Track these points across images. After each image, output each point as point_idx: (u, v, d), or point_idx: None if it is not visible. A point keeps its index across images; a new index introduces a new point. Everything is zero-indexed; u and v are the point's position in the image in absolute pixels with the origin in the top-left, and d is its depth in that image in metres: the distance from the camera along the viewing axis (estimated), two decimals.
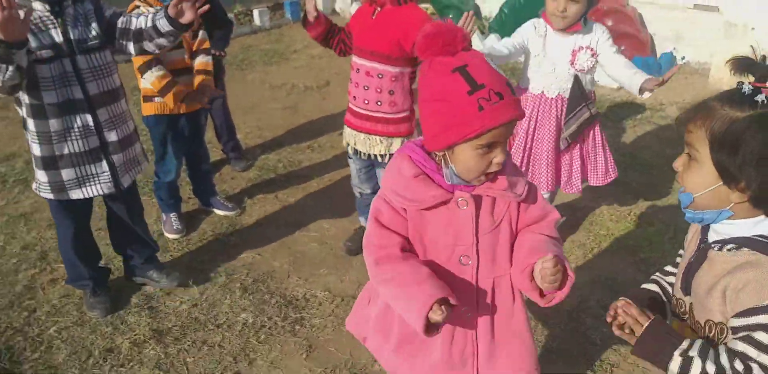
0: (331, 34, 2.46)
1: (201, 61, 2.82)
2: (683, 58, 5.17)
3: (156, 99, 2.72)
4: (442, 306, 1.23)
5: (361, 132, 2.46)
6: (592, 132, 2.64)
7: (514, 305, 1.42)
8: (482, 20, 6.17)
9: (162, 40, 2.09)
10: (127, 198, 2.39)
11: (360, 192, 2.76)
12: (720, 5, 4.86)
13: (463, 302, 1.33)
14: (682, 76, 5.05)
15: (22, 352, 2.21)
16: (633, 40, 4.97)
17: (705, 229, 1.21)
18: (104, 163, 2.16)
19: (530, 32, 2.52)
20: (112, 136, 2.16)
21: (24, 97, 2.00)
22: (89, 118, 2.07)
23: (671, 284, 1.36)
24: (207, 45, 2.87)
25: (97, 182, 2.17)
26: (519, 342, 1.45)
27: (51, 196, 2.17)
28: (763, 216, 1.12)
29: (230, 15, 6.35)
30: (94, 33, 2.06)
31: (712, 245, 1.17)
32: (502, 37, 5.52)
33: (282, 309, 2.46)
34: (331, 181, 3.51)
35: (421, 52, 1.23)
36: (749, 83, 1.07)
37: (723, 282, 1.11)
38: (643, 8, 5.24)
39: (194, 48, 2.82)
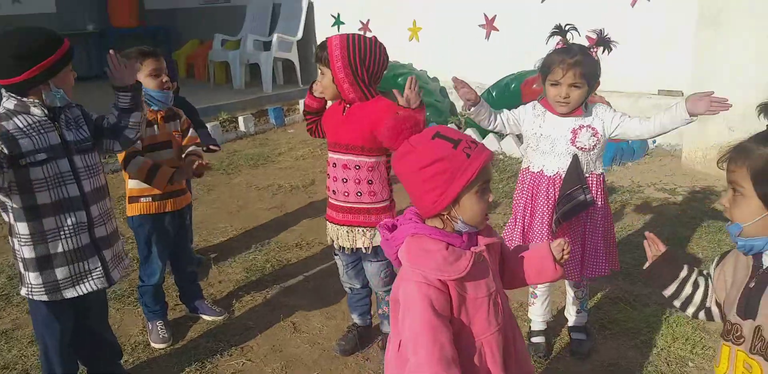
0: (320, 116, 2.61)
1: (193, 149, 2.97)
2: (654, 142, 5.37)
3: (142, 199, 2.76)
4: None
5: (343, 225, 2.47)
6: (595, 218, 2.48)
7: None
8: (458, 116, 6.45)
9: (129, 116, 2.24)
10: (101, 298, 2.45)
11: (350, 288, 2.72)
12: (683, 89, 5.13)
13: (506, 339, 1.53)
14: (656, 158, 5.23)
15: None
16: None
17: (758, 257, 1.34)
18: (96, 259, 2.20)
19: (529, 112, 2.49)
20: (101, 232, 2.22)
21: (13, 202, 2.05)
22: (83, 215, 2.14)
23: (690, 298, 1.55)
24: (197, 140, 3.02)
25: (90, 278, 2.20)
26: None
27: (45, 298, 2.15)
28: None
29: (216, 122, 6.59)
30: (85, 135, 2.20)
31: None
32: (478, 129, 5.75)
33: None
34: (320, 278, 3.47)
35: (395, 140, 1.42)
36: None
37: None
38: (610, 97, 5.50)
39: (183, 143, 2.95)
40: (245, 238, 4.07)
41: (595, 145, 2.38)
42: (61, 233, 2.11)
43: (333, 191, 2.47)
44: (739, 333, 1.33)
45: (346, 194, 2.41)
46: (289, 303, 3.23)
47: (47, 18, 9.69)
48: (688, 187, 4.56)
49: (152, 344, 2.89)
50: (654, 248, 1.60)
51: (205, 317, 3.09)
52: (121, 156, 2.68)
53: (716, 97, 2.20)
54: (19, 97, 2.06)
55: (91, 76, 8.98)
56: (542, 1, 5.86)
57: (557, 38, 2.37)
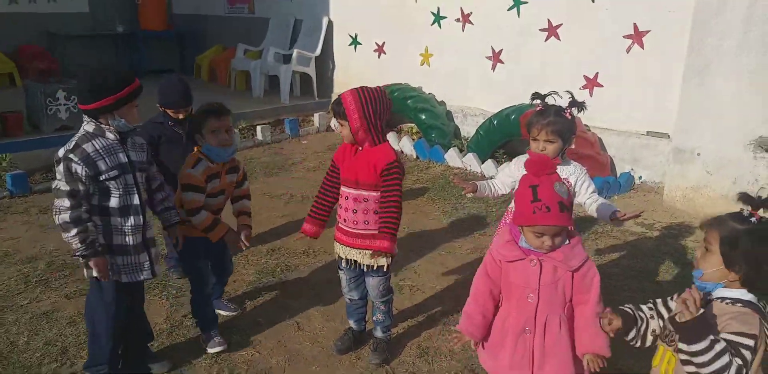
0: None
1: (243, 204, 3.29)
2: (640, 178, 5.79)
3: (187, 223, 3.01)
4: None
5: (353, 248, 2.90)
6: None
7: (560, 332, 2.13)
8: (461, 140, 6.88)
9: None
10: (142, 287, 2.96)
11: (350, 299, 3.13)
12: (669, 132, 5.55)
13: (526, 324, 2.13)
14: (641, 193, 5.64)
15: None
16: (594, 162, 5.60)
17: (707, 294, 1.86)
18: (146, 254, 2.72)
19: (514, 164, 3.03)
20: (150, 233, 2.75)
21: (92, 201, 2.57)
22: (140, 219, 2.67)
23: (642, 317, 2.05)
24: (248, 192, 3.33)
25: (141, 269, 2.72)
26: (562, 357, 2.15)
27: (110, 277, 2.65)
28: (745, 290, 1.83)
29: (236, 130, 7.02)
30: (144, 159, 2.74)
31: (716, 299, 1.85)
32: (478, 154, 6.15)
33: None
34: (324, 284, 3.88)
35: (527, 169, 2.08)
36: (749, 210, 1.80)
37: (724, 318, 1.78)
38: (603, 134, 5.94)
39: (234, 194, 3.27)
40: (258, 243, 4.48)
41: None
42: (123, 230, 2.63)
43: (344, 219, 2.87)
44: (673, 337, 1.86)
45: (356, 223, 2.84)
46: (294, 304, 3.65)
47: (80, 17, 10.18)
48: (666, 224, 4.97)
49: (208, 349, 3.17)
50: (610, 324, 2.03)
51: (220, 312, 3.50)
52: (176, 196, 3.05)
53: (634, 216, 2.74)
54: (97, 122, 2.56)
55: None
56: (546, 40, 6.29)
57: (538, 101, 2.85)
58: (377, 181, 2.76)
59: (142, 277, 2.73)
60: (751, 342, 1.72)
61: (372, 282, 2.98)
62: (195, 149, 3.04)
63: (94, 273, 2.61)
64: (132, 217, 2.64)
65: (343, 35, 8.36)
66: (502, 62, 6.71)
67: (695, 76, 5.06)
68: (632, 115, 5.82)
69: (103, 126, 2.56)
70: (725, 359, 1.68)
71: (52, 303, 3.59)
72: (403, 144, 6.87)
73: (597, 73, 5.98)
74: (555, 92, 2.84)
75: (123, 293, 2.73)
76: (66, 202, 2.49)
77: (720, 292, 1.85)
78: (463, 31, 6.99)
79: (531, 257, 2.08)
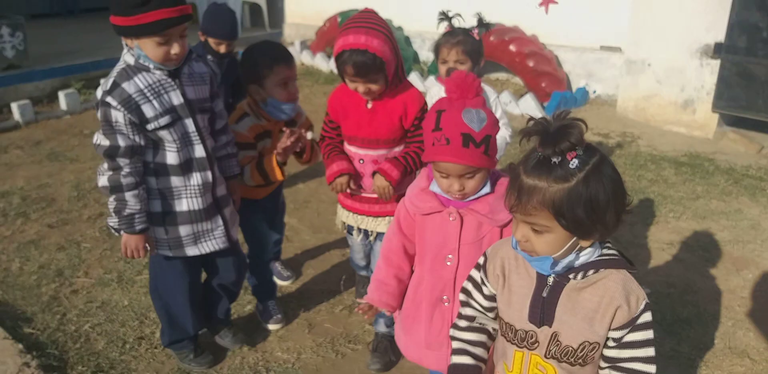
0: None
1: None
2: (595, 92, 6.02)
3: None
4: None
5: (369, 215, 2.40)
6: None
7: None
8: (421, 65, 6.93)
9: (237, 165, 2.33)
10: (235, 249, 2.38)
11: (358, 267, 2.75)
12: (621, 46, 5.75)
13: (443, 292, 1.73)
14: (595, 106, 5.89)
15: (65, 344, 2.58)
16: (552, 78, 5.78)
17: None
18: (219, 218, 2.19)
19: (435, 85, 2.92)
20: (222, 191, 2.20)
21: (145, 157, 2.03)
22: (209, 175, 2.11)
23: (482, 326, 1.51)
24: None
25: (212, 238, 2.19)
26: None
27: (169, 253, 2.16)
28: (594, 242, 1.28)
29: None
30: (206, 94, 2.11)
31: (570, 276, 1.29)
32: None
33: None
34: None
35: (446, 91, 1.57)
36: (551, 153, 1.17)
37: (597, 300, 1.27)
38: (559, 51, 6.10)
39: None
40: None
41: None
42: (187, 191, 2.08)
43: (360, 186, 2.34)
44: (534, 339, 1.36)
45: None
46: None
47: None
48: (620, 132, 5.25)
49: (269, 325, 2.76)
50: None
51: (276, 281, 2.97)
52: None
53: None
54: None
55: (48, 14, 8.96)
56: None
57: (446, 23, 2.71)
58: (404, 132, 2.24)
59: (214, 248, 2.20)
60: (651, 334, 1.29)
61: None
62: (246, 103, 2.44)
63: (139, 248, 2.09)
64: (197, 174, 2.08)
65: None
66: None
67: None
68: (586, 31, 5.98)
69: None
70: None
71: (36, 233, 3.60)
72: None
73: (479, 15, 6.04)
74: (459, 14, 2.71)
75: (195, 267, 2.30)
76: (105, 163, 1.97)
77: (563, 266, 1.29)
78: None
79: (450, 209, 1.65)
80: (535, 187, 1.18)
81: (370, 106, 2.21)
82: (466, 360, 1.49)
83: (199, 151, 2.07)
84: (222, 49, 3.39)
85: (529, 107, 5.51)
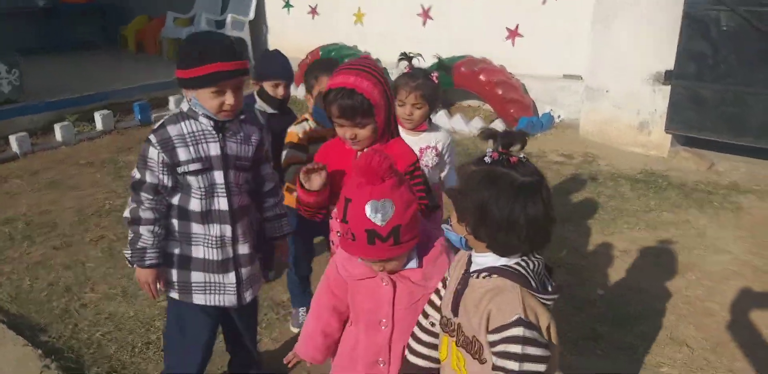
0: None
1: None
2: (559, 116, 6.47)
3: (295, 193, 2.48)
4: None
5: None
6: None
7: None
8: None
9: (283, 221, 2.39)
10: (248, 309, 2.39)
11: None
12: (582, 75, 6.22)
13: (379, 355, 1.72)
14: (560, 130, 6.32)
15: (80, 349, 2.86)
16: (519, 105, 6.22)
17: (469, 262, 1.47)
18: (232, 275, 2.18)
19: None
20: (244, 249, 2.19)
21: (171, 199, 2.11)
22: (228, 229, 2.12)
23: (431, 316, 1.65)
24: None
25: (222, 292, 2.19)
26: None
27: (176, 296, 2.20)
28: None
29: (179, 95, 7.21)
30: (249, 154, 2.15)
31: (472, 274, 1.43)
32: None
33: None
34: None
35: (355, 173, 1.54)
36: (493, 150, 1.40)
37: (482, 304, 1.36)
38: (525, 79, 6.56)
39: None
40: None
41: (437, 163, 2.72)
42: (206, 240, 2.12)
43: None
44: (453, 327, 1.48)
45: None
46: None
47: None
48: (582, 152, 5.67)
49: (291, 328, 3.06)
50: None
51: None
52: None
53: None
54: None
55: (38, 50, 9.29)
56: None
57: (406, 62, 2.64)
58: None
59: (221, 303, 2.19)
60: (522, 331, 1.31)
61: None
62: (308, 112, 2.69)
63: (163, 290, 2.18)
64: (217, 226, 2.10)
65: None
66: (431, 18, 7.19)
67: (600, 23, 5.72)
68: (549, 61, 6.46)
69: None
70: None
71: (42, 254, 3.87)
72: None
73: (517, 25, 6.57)
74: (420, 54, 2.63)
75: (207, 316, 2.25)
76: (133, 195, 2.07)
77: (479, 260, 1.43)
78: None
79: (382, 275, 1.62)
80: (463, 164, 1.44)
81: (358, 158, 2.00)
82: (415, 360, 1.65)
83: (223, 204, 2.10)
84: (280, 91, 3.04)
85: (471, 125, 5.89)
